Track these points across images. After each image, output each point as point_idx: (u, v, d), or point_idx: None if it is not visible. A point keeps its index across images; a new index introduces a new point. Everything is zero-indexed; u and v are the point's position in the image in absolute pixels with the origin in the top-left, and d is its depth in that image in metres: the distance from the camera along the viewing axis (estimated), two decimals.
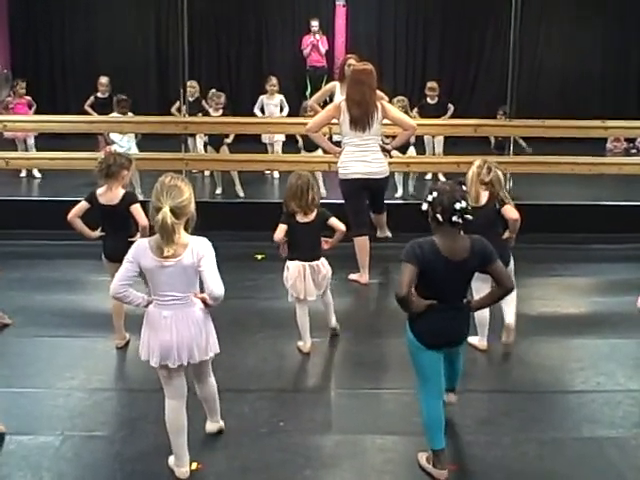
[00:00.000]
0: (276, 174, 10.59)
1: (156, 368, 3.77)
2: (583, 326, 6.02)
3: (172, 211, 3.51)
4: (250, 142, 10.42)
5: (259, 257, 7.27)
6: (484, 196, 5.19)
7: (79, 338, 5.60)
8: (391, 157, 7.15)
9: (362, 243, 6.86)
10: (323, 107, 8.17)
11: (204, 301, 3.71)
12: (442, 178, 10.52)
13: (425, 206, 3.70)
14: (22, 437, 4.16)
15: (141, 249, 3.65)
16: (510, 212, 5.22)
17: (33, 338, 5.59)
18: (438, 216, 3.63)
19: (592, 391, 4.84)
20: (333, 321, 5.61)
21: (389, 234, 7.38)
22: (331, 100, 8.28)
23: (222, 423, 4.25)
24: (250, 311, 6.05)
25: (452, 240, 3.66)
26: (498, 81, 12.51)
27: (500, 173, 5.27)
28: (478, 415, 3.98)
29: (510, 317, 5.38)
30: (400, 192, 9.42)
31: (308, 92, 13.08)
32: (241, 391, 4.67)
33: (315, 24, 13.10)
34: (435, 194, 3.65)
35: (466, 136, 9.18)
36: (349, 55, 8.37)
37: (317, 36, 13.15)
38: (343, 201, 6.94)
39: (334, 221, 5.36)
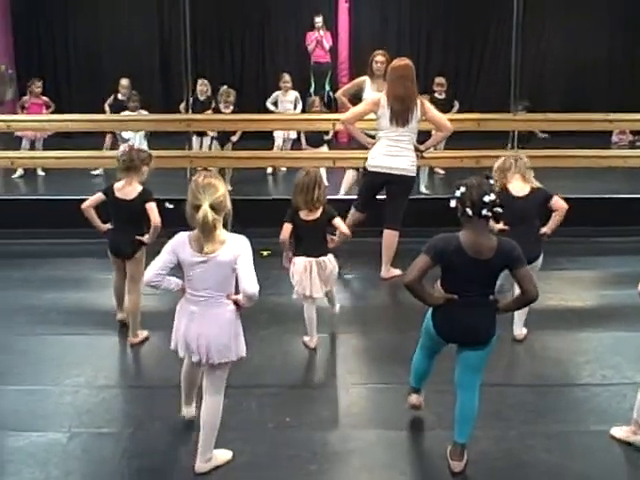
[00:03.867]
0: (283, 169, 10.66)
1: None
2: (589, 319, 6.03)
3: (212, 207, 3.52)
4: (257, 139, 10.40)
5: (264, 253, 7.25)
6: (524, 187, 5.32)
7: (85, 336, 5.61)
8: (423, 157, 7.11)
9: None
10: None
11: (236, 302, 3.71)
12: (440, 171, 10.60)
13: (453, 203, 3.67)
14: (30, 434, 4.18)
15: (180, 242, 3.67)
16: (561, 202, 5.36)
17: (39, 336, 5.61)
18: (468, 210, 3.61)
19: (598, 384, 4.84)
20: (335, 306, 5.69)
21: (397, 272, 6.71)
22: (359, 97, 8.17)
23: (219, 458, 3.88)
24: (256, 307, 5.95)
25: (479, 237, 3.63)
26: (502, 75, 12.48)
27: (526, 159, 5.43)
28: (485, 409, 3.98)
29: (518, 330, 5.48)
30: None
31: (312, 88, 13.09)
32: (247, 387, 4.67)
33: (319, 20, 13.07)
34: (463, 189, 3.63)
35: (469, 130, 9.15)
36: (377, 51, 8.31)
37: (321, 32, 13.12)
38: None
39: (338, 222, 5.35)
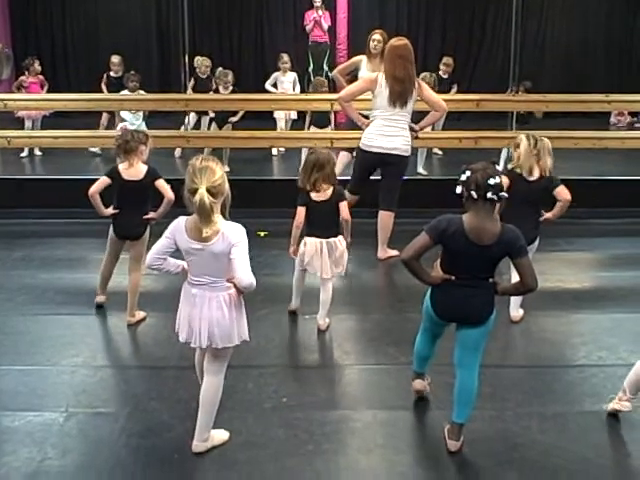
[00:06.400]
0: (282, 149, 10.64)
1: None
2: (585, 300, 6.05)
3: (208, 191, 3.49)
4: (255, 120, 10.35)
5: (262, 234, 7.27)
6: (536, 171, 5.24)
7: (83, 316, 5.61)
8: (417, 137, 7.05)
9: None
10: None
11: (236, 285, 3.69)
12: (439, 152, 10.56)
13: (459, 189, 3.65)
14: (27, 414, 4.18)
15: (178, 228, 3.65)
16: (565, 193, 5.28)
17: (37, 316, 5.62)
18: (472, 193, 3.58)
19: (594, 365, 4.86)
20: (322, 315, 5.39)
21: (393, 253, 6.74)
22: (355, 76, 8.14)
23: (216, 438, 3.89)
24: None
25: (483, 221, 3.61)
26: (501, 56, 12.45)
27: (547, 141, 5.31)
28: (481, 390, 3.99)
29: (515, 311, 5.50)
30: None
31: (310, 68, 13.02)
32: (244, 367, 4.68)
33: None
34: (469, 173, 3.61)
35: (468, 111, 9.14)
36: (375, 30, 8.27)
37: (320, 12, 13.01)
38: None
39: (343, 205, 5.32)
